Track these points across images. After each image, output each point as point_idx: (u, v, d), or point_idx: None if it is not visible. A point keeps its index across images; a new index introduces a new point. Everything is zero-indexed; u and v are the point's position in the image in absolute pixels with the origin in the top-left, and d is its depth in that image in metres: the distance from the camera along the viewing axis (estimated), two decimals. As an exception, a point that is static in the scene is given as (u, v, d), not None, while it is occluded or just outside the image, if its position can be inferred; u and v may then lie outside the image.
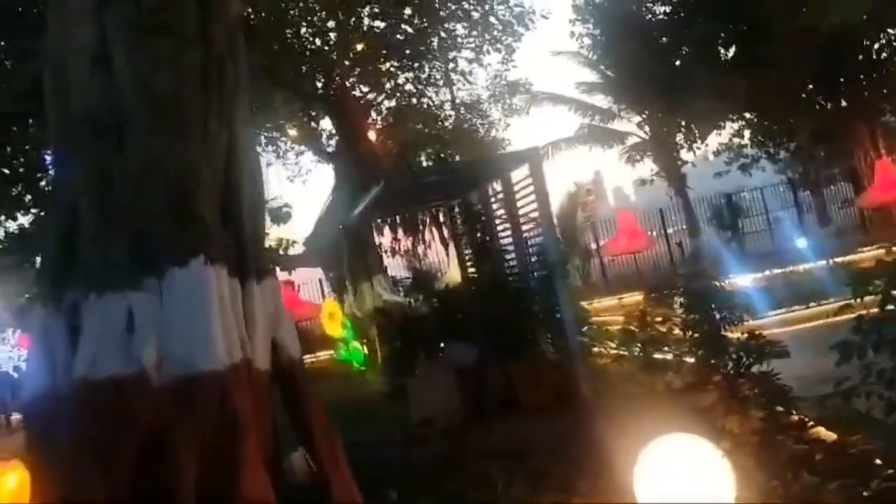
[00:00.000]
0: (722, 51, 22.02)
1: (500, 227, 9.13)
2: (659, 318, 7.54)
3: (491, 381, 7.56)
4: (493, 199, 9.31)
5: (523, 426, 6.74)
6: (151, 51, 3.68)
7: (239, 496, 3.46)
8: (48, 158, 22.68)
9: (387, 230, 15.34)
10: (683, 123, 22.71)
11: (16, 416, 16.01)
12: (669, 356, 7.16)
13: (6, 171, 23.41)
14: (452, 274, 12.76)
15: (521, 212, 8.36)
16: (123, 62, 3.70)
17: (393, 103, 18.22)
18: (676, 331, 6.05)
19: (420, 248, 18.01)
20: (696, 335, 5.99)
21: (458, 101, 19.03)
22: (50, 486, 3.43)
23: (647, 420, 5.25)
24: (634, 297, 14.25)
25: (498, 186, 9.10)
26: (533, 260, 7.96)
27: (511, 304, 7.74)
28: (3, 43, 18.61)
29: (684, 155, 23.60)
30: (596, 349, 8.02)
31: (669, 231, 22.37)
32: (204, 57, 3.93)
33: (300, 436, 4.12)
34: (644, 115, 22.90)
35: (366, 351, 12.98)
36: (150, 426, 3.37)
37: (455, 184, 9.68)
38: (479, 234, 9.62)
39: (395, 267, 15.29)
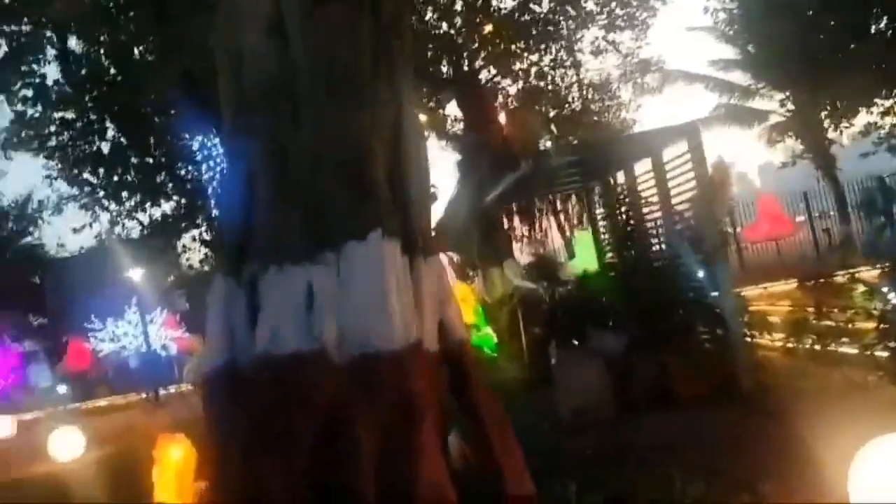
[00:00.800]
0: (872, 22, 20.27)
1: (647, 210, 8.64)
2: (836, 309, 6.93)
3: (642, 371, 7.15)
4: (640, 180, 8.83)
5: (682, 419, 6.30)
6: (326, 20, 3.56)
7: (417, 483, 3.30)
8: (190, 146, 23.79)
9: (515, 215, 15.12)
10: (829, 101, 21.08)
11: (163, 392, 16.92)
12: (851, 350, 6.55)
13: (149, 161, 24.82)
14: (581, 260, 12.36)
15: (673, 192, 7.86)
16: (298, 33, 3.59)
17: (521, 86, 17.91)
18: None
19: (545, 234, 17.66)
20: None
21: (586, 81, 18.45)
22: (226, 462, 3.39)
23: (826, 417, 4.77)
24: (779, 286, 13.32)
25: (644, 166, 8.62)
26: (687, 244, 7.45)
27: (663, 291, 7.28)
28: (148, 37, 19.65)
29: (830, 134, 21.92)
30: (757, 340, 7.46)
31: (815, 216, 20.84)
32: (374, 27, 3.79)
33: (469, 422, 3.92)
34: (787, 93, 21.41)
35: (496, 338, 12.79)
36: (330, 407, 3.26)
37: (597, 164, 9.27)
38: (622, 217, 9.16)
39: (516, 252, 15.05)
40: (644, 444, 5.60)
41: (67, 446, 10.81)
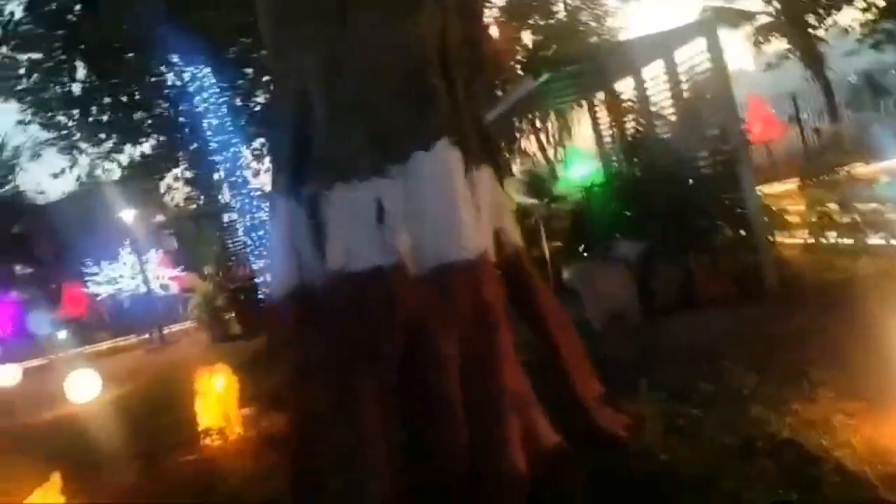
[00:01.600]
0: None
1: (658, 115, 8.53)
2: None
3: (666, 275, 7.20)
4: (648, 84, 8.68)
5: (713, 319, 6.36)
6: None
7: (499, 391, 3.30)
8: (167, 81, 23.07)
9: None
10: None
11: (167, 331, 16.88)
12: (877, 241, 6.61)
13: (123, 99, 24.07)
14: (576, 172, 12.23)
15: (686, 95, 7.74)
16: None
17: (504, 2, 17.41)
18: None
19: (536, 149, 17.47)
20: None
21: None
22: (305, 382, 3.36)
23: (860, 305, 4.80)
24: (777, 186, 13.36)
25: (651, 71, 8.46)
26: (707, 145, 7.39)
27: (683, 195, 7.24)
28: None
29: (817, 33, 21.67)
30: (777, 239, 7.50)
31: (803, 117, 20.75)
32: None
33: (534, 331, 3.91)
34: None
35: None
36: (411, 320, 3.22)
37: (601, 71, 9.07)
38: (633, 125, 9.05)
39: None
40: (682, 345, 5.66)
41: (84, 388, 10.83)
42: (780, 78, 23.84)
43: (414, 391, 3.21)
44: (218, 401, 5.87)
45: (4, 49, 22.33)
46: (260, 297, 14.95)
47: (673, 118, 8.18)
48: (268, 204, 4.60)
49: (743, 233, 7.11)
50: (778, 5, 21.32)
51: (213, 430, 5.73)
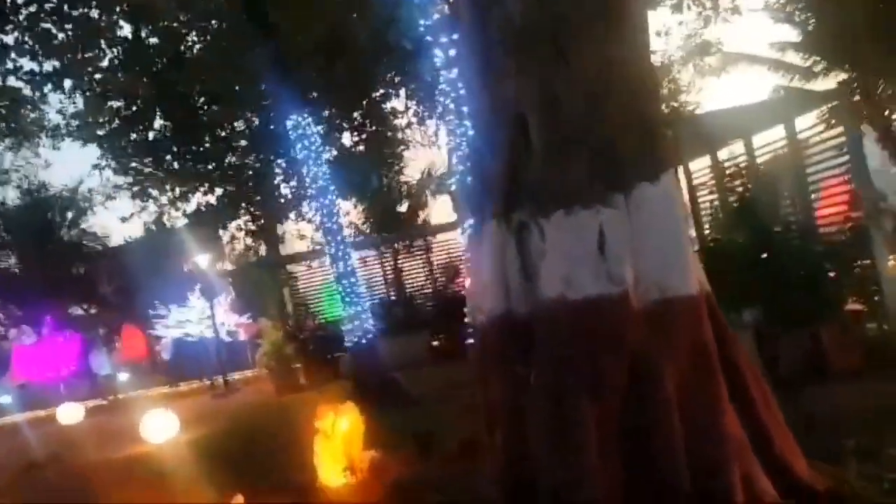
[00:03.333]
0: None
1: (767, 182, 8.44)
2: None
3: (791, 344, 6.95)
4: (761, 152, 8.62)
5: (850, 392, 6.08)
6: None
7: (721, 437, 3.12)
8: (241, 134, 23.74)
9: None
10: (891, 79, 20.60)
11: (232, 377, 16.81)
12: None
13: (198, 149, 24.77)
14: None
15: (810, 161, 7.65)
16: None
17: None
18: None
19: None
20: None
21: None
22: (514, 410, 3.23)
23: None
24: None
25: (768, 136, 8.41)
26: (834, 212, 7.24)
27: (814, 262, 7.05)
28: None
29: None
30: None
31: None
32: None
33: (727, 377, 3.72)
34: (850, 73, 20.97)
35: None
36: (634, 352, 3.08)
37: (706, 137, 9.06)
38: (742, 189, 8.93)
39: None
40: (815, 417, 5.39)
41: (161, 428, 10.75)
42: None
43: (634, 427, 3.05)
44: (341, 442, 5.71)
45: (87, 94, 23.26)
46: (328, 347, 14.89)
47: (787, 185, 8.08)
48: (468, 235, 4.54)
49: (871, 304, 6.89)
50: (854, 85, 21.21)
51: (338, 470, 5.55)
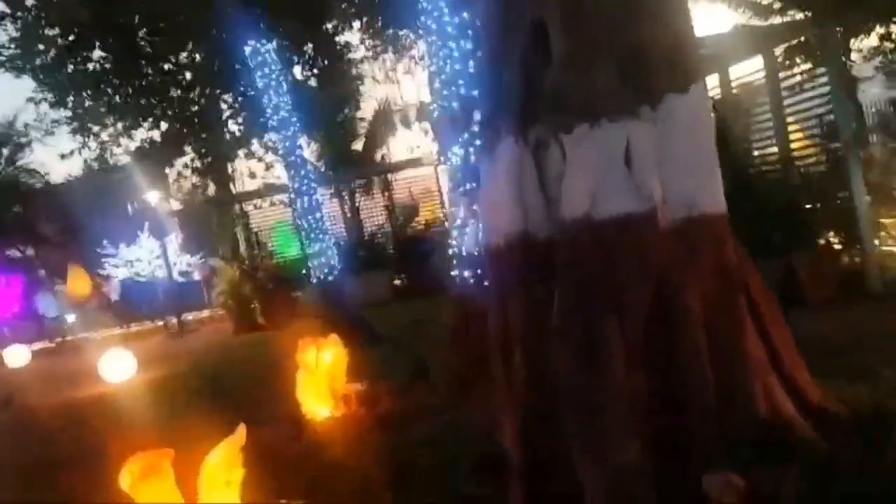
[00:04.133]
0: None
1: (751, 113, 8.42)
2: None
3: (766, 275, 7.00)
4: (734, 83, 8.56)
5: (817, 320, 6.17)
6: None
7: (744, 355, 3.06)
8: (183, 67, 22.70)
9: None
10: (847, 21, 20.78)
11: (186, 318, 16.40)
12: None
13: (141, 82, 23.63)
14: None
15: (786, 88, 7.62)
16: None
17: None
18: None
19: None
20: None
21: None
22: (533, 331, 3.11)
23: None
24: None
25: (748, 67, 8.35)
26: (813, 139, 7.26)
27: (790, 194, 7.08)
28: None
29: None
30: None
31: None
32: None
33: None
34: (807, 12, 21.07)
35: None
36: (658, 272, 2.97)
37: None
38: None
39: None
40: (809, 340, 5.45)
41: (119, 369, 10.43)
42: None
43: (658, 346, 2.97)
44: (325, 375, 5.55)
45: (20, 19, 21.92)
46: (288, 288, 14.61)
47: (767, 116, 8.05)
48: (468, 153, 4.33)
49: (846, 234, 6.97)
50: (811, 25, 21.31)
51: (324, 403, 5.41)
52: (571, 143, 3.07)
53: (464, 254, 5.87)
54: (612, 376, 2.87)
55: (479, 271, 5.77)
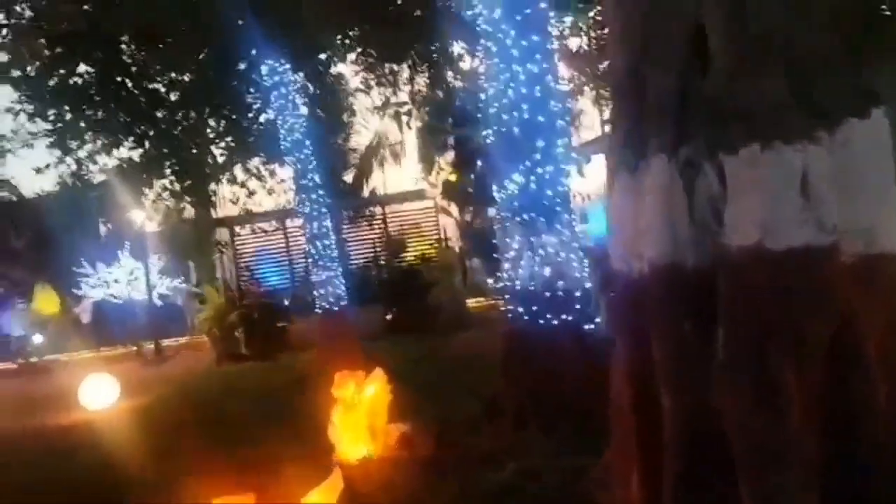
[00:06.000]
0: None
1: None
2: None
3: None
4: None
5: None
6: None
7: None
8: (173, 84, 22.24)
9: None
10: None
11: (165, 343, 15.64)
12: None
13: (124, 100, 23.07)
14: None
15: None
16: None
17: None
18: None
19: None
20: None
21: None
22: (680, 366, 2.75)
23: None
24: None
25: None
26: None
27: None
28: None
29: None
30: None
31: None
32: None
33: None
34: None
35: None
36: (840, 313, 2.64)
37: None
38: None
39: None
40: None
41: (100, 394, 9.77)
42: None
43: (832, 396, 2.62)
44: (365, 412, 5.07)
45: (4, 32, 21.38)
46: (275, 318, 14.06)
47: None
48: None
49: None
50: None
51: (362, 443, 4.93)
52: (736, 164, 2.74)
53: (517, 287, 5.50)
54: (791, 422, 2.52)
55: (532, 306, 5.40)
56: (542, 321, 5.29)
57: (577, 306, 5.29)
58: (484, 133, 6.12)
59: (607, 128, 22.02)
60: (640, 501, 2.95)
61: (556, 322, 5.26)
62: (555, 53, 5.98)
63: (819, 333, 2.61)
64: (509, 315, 5.62)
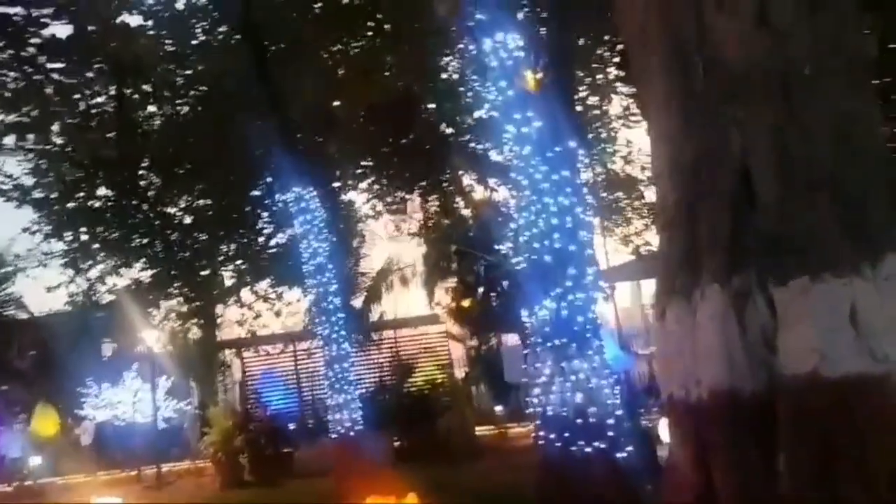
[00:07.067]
0: None
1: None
2: None
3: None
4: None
5: None
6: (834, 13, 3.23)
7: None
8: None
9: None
10: None
11: (166, 467, 15.25)
12: None
13: (139, 222, 23.65)
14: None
15: None
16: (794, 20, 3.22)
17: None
18: None
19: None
20: None
21: None
22: (747, 493, 2.78)
23: None
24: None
25: None
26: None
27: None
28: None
29: None
30: None
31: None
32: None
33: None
34: None
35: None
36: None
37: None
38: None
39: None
40: None
41: (105, 520, 9.48)
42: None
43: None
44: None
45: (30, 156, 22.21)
46: (282, 443, 13.82)
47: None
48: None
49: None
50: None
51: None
52: (787, 295, 2.91)
53: (548, 413, 5.53)
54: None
55: (564, 433, 5.41)
56: (574, 448, 5.29)
57: (610, 433, 5.31)
58: (512, 260, 6.33)
59: (613, 258, 22.44)
60: None
61: (588, 449, 5.26)
62: (582, 185, 6.32)
63: (884, 459, 2.68)
64: (540, 442, 5.61)
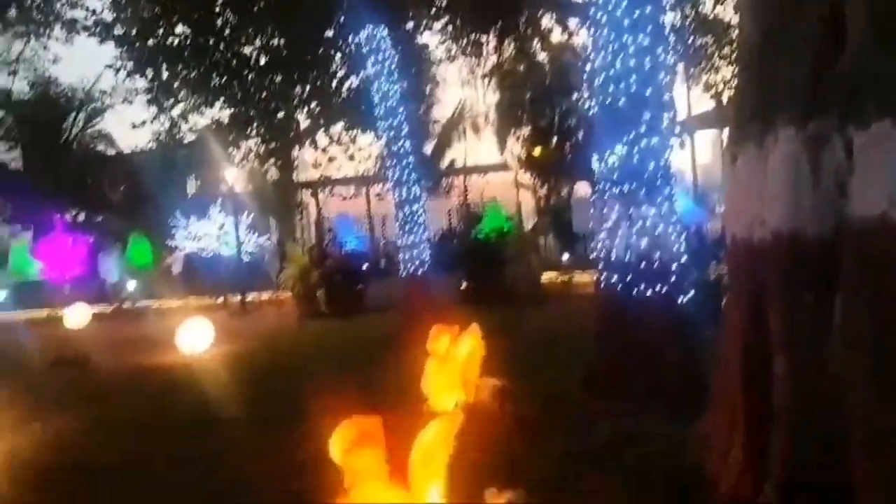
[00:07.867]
0: None
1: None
2: None
3: None
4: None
5: None
6: None
7: None
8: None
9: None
10: None
11: (249, 297, 16.25)
12: None
13: (217, 61, 23.70)
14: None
15: None
16: None
17: None
18: None
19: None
20: None
21: None
22: (799, 337, 2.84)
23: None
24: None
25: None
26: None
27: None
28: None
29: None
30: None
31: None
32: None
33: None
34: None
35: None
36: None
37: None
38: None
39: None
40: None
41: (197, 338, 10.31)
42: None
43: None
44: (459, 367, 5.30)
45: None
46: (355, 281, 14.48)
47: None
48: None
49: None
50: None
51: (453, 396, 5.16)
52: (866, 139, 2.80)
53: (612, 258, 5.60)
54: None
55: (627, 276, 5.50)
56: (635, 291, 5.39)
57: (673, 279, 5.36)
58: (587, 105, 6.17)
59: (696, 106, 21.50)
60: (742, 468, 3.05)
61: (649, 293, 5.35)
62: (664, 25, 6.01)
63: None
64: (601, 284, 5.73)
